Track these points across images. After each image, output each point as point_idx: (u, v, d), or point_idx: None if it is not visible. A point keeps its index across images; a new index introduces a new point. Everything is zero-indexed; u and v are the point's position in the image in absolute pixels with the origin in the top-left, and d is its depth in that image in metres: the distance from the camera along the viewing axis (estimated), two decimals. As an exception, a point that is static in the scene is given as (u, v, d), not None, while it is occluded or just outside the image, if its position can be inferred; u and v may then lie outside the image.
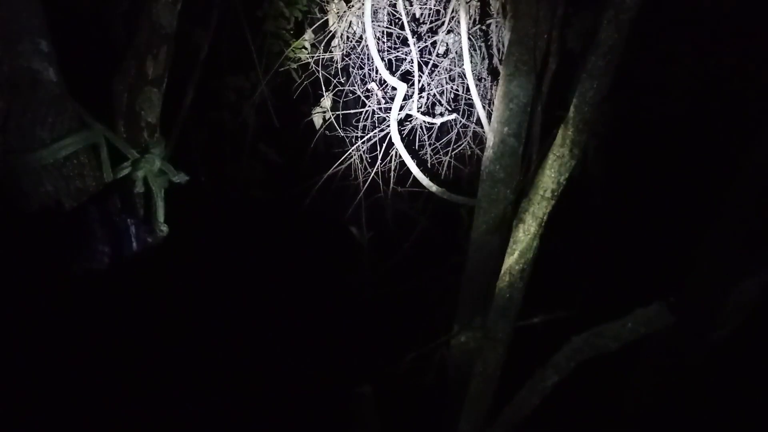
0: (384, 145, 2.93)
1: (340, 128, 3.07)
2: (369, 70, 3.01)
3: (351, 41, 3.01)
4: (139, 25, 1.77)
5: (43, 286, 1.28)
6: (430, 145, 2.99)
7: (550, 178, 1.85)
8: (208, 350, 2.11)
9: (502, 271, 1.95)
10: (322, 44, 3.04)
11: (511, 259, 1.90)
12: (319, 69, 3.05)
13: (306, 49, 3.06)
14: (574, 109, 1.83)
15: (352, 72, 3.05)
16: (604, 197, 2.29)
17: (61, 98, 1.60)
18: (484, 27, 2.87)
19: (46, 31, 1.55)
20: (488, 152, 2.38)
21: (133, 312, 1.74)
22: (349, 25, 3.00)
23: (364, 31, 2.88)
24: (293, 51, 2.99)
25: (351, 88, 3.04)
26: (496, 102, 2.38)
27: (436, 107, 3.00)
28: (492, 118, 2.37)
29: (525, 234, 1.86)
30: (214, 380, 2.13)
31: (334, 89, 3.08)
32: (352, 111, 3.06)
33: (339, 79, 3.06)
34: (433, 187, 2.73)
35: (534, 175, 2.03)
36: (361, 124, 3.07)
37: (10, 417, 1.05)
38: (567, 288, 2.22)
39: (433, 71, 2.94)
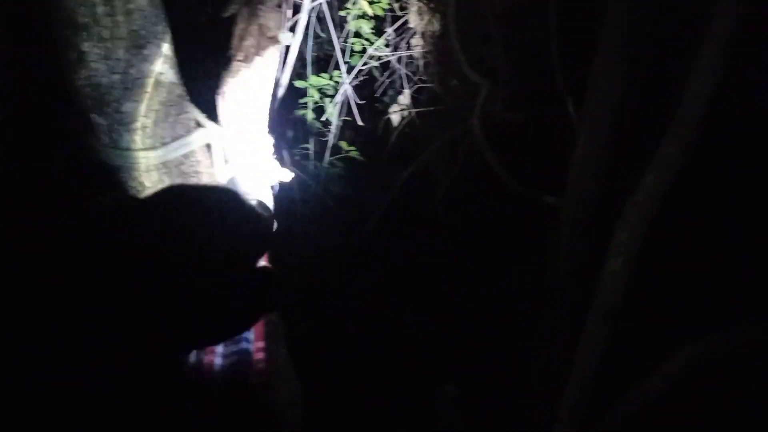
0: (465, 142, 2.91)
1: (421, 126, 3.07)
2: (450, 67, 2.98)
3: (432, 38, 3.00)
4: (248, 28, 1.85)
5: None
6: (513, 142, 2.93)
7: (659, 177, 1.77)
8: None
9: (603, 273, 1.89)
10: (404, 42, 3.05)
11: (614, 262, 1.84)
12: (401, 67, 3.06)
13: (388, 47, 3.07)
14: (686, 106, 1.74)
15: (433, 69, 3.04)
16: (711, 196, 2.17)
17: (181, 99, 1.67)
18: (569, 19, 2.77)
19: (169, 35, 1.61)
20: (578, 150, 2.31)
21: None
22: (431, 22, 2.98)
23: (446, 27, 2.86)
24: (375, 49, 3.00)
25: (432, 86, 3.03)
26: (586, 97, 2.30)
27: (521, 103, 2.94)
28: (582, 115, 2.30)
29: (631, 236, 1.80)
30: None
31: (414, 87, 3.08)
32: (432, 108, 3.05)
33: (420, 76, 3.06)
34: (516, 186, 2.68)
35: (635, 174, 1.95)
36: (441, 122, 3.05)
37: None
38: (671, 292, 2.12)
39: (516, 67, 2.88)
